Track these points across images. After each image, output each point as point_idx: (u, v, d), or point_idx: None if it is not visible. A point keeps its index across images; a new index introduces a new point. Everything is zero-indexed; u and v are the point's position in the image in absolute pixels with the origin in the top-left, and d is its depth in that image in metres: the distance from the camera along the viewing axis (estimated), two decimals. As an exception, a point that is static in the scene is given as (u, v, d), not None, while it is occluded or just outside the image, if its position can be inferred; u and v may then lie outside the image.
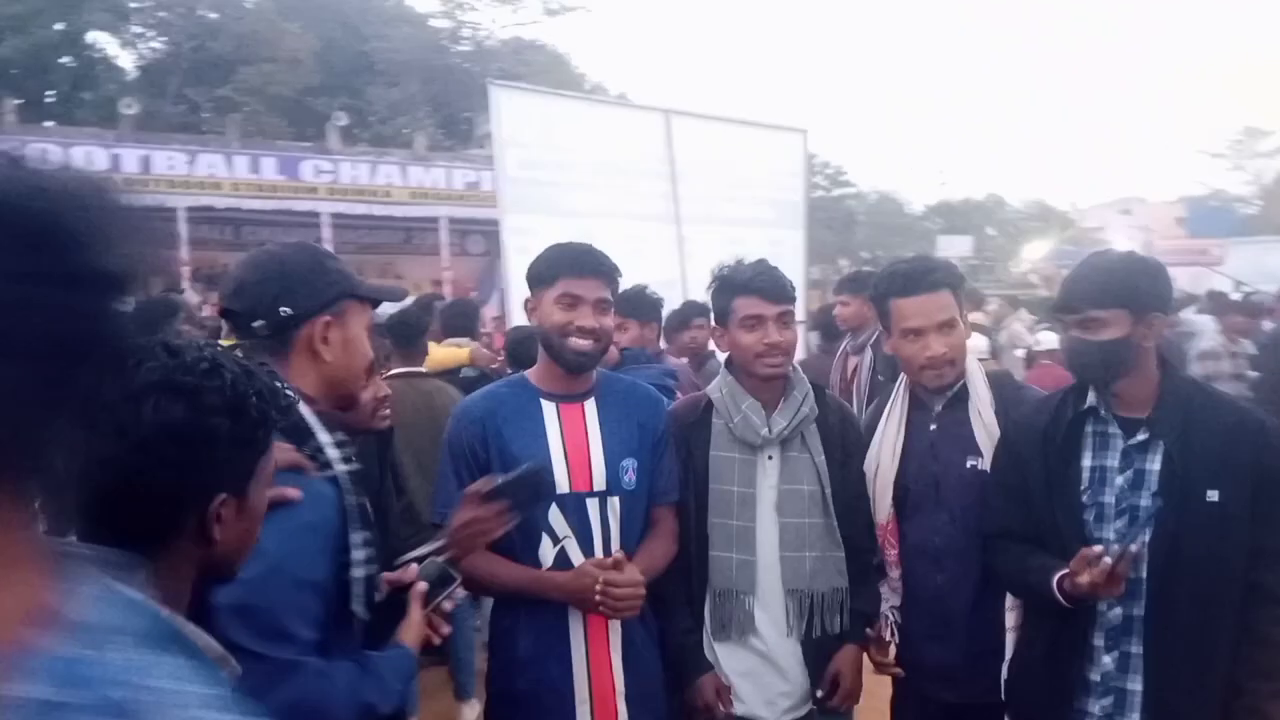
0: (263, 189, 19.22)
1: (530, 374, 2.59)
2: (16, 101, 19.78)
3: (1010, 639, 2.52)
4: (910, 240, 43.65)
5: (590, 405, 2.53)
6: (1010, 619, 2.52)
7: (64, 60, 28.86)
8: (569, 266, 2.45)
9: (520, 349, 4.74)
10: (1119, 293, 2.24)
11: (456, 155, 22.85)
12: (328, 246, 18.58)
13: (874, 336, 5.37)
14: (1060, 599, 2.21)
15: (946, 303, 2.57)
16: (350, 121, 24.68)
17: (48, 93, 28.51)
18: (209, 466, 1.17)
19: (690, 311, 5.46)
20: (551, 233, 7.07)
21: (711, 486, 2.58)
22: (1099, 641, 2.29)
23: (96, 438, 1.07)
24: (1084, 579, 2.11)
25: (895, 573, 2.68)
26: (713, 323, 2.80)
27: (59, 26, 27.47)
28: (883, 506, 2.66)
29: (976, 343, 8.05)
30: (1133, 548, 2.10)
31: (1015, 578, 2.42)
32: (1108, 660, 2.28)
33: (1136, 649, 2.25)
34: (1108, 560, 2.08)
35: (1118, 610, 2.25)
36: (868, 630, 2.68)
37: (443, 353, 5.14)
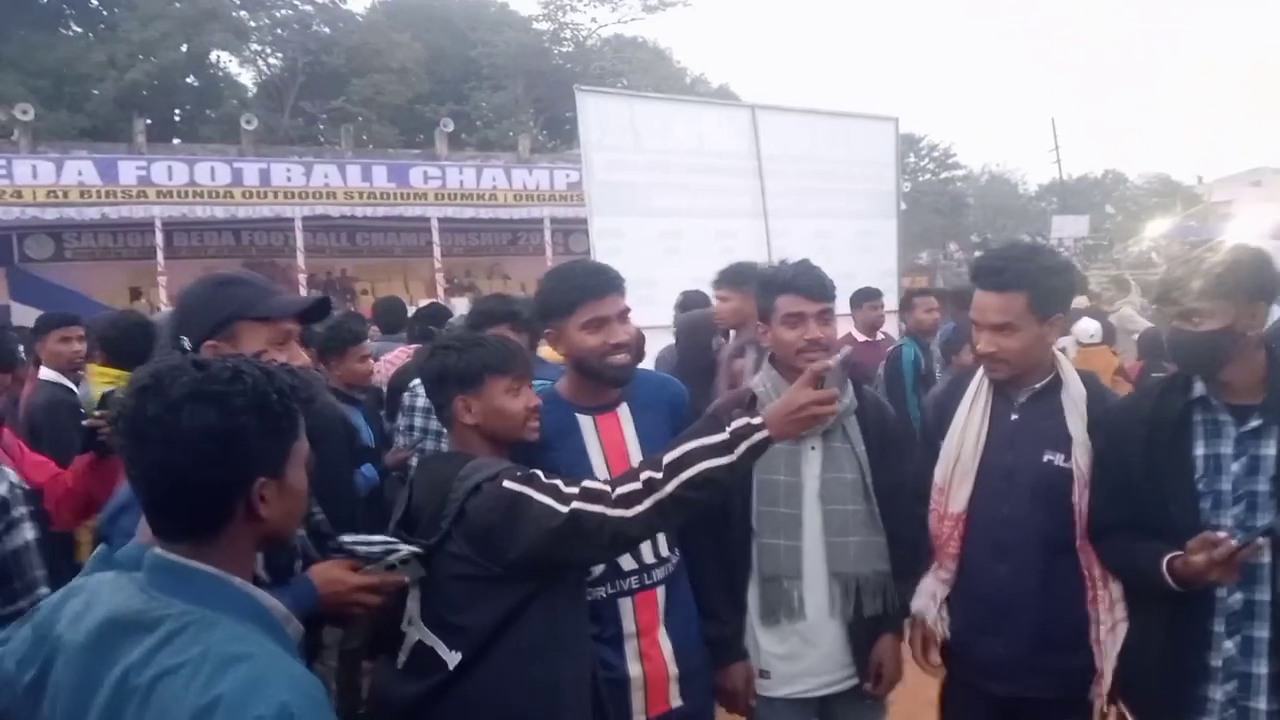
0: (375, 196, 19.86)
1: (561, 389, 2.65)
2: (147, 121, 20.89)
3: (1104, 632, 2.50)
4: (1024, 222, 42.56)
5: (624, 411, 2.61)
6: (1097, 615, 2.50)
7: (189, 80, 30.35)
8: (587, 291, 2.49)
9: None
10: (1222, 284, 2.25)
11: (558, 156, 23.23)
12: (436, 249, 19.08)
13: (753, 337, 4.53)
14: (1170, 582, 2.21)
15: (1006, 306, 2.53)
16: (457, 127, 25.33)
17: (175, 111, 30.03)
18: (244, 457, 1.36)
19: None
20: (640, 232, 7.33)
21: (758, 477, 2.64)
22: (1219, 628, 2.28)
23: (149, 448, 1.34)
24: (1199, 558, 2.10)
25: (953, 565, 2.67)
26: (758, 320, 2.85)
27: (184, 49, 28.85)
28: (960, 496, 2.64)
29: (1085, 326, 7.90)
30: (1260, 540, 2.11)
31: (1123, 562, 2.42)
32: (1229, 645, 2.26)
33: (1261, 633, 2.24)
34: (1233, 543, 2.08)
35: (1238, 595, 2.25)
36: (909, 624, 2.73)
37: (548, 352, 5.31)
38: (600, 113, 7.36)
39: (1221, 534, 2.13)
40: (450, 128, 22.98)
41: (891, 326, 8.15)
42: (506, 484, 2.11)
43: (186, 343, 2.01)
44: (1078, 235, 31.02)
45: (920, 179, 44.74)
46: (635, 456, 2.53)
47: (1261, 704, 2.24)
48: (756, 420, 2.12)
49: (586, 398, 2.57)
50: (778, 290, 2.72)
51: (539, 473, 2.16)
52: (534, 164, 21.92)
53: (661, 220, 7.43)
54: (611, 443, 2.56)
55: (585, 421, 2.56)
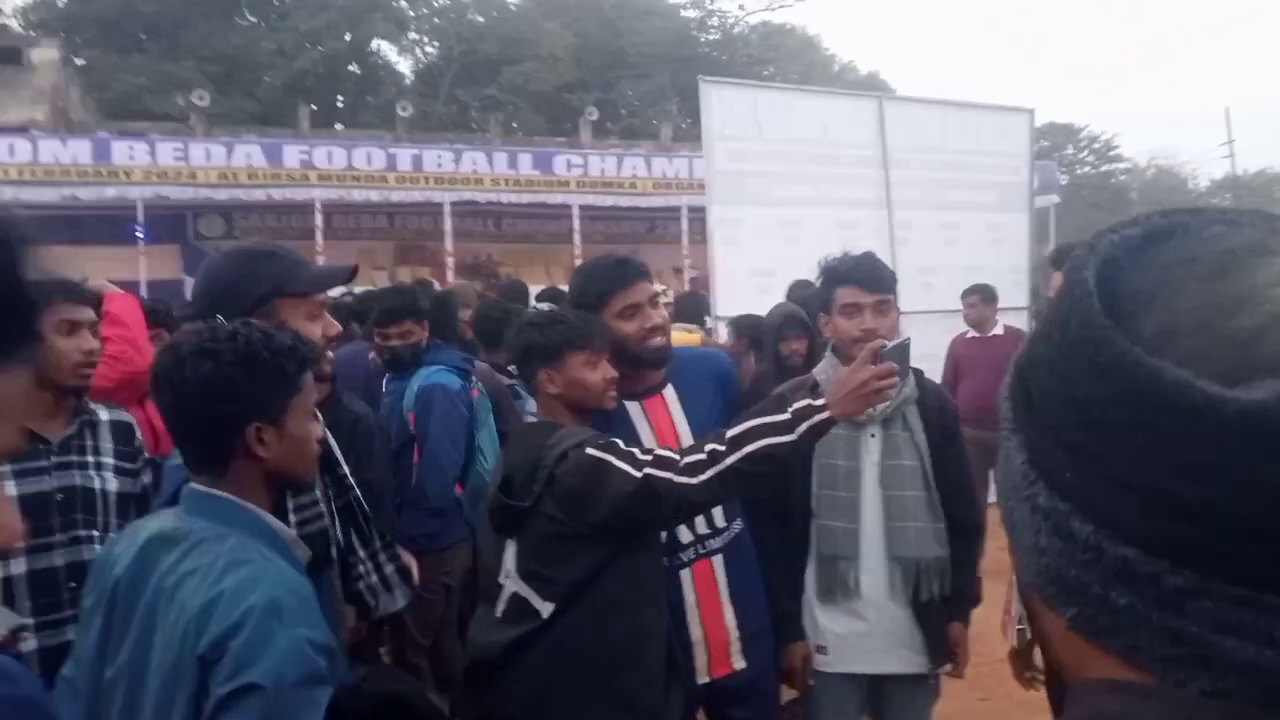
0: (520, 184, 20.41)
1: None
2: (312, 107, 22.00)
3: None
4: (1192, 218, 40.25)
5: (669, 392, 2.70)
6: None
7: (351, 68, 31.70)
8: (615, 281, 2.59)
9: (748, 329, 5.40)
10: None
11: (698, 145, 23.37)
12: (577, 237, 19.50)
13: None
14: None
15: None
16: (603, 115, 25.73)
17: (338, 98, 31.43)
18: (235, 404, 1.60)
19: None
20: (759, 222, 7.44)
21: (818, 461, 2.74)
22: None
23: (164, 395, 1.62)
24: None
25: None
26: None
27: (347, 38, 30.17)
28: None
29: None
30: None
31: None
32: None
33: None
34: None
35: None
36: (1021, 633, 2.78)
37: (675, 335, 5.45)
38: (723, 103, 7.46)
39: None
40: (595, 116, 23.37)
41: (1023, 322, 8.00)
42: (590, 451, 2.28)
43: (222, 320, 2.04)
44: (1249, 234, 29.18)
45: (1078, 171, 42.98)
46: (685, 436, 2.64)
47: None
48: (819, 401, 2.20)
49: (631, 384, 2.63)
50: (837, 282, 2.83)
51: (618, 441, 2.32)
52: (674, 152, 22.12)
53: (781, 210, 7.48)
54: (660, 424, 2.67)
55: (634, 408, 2.66)
